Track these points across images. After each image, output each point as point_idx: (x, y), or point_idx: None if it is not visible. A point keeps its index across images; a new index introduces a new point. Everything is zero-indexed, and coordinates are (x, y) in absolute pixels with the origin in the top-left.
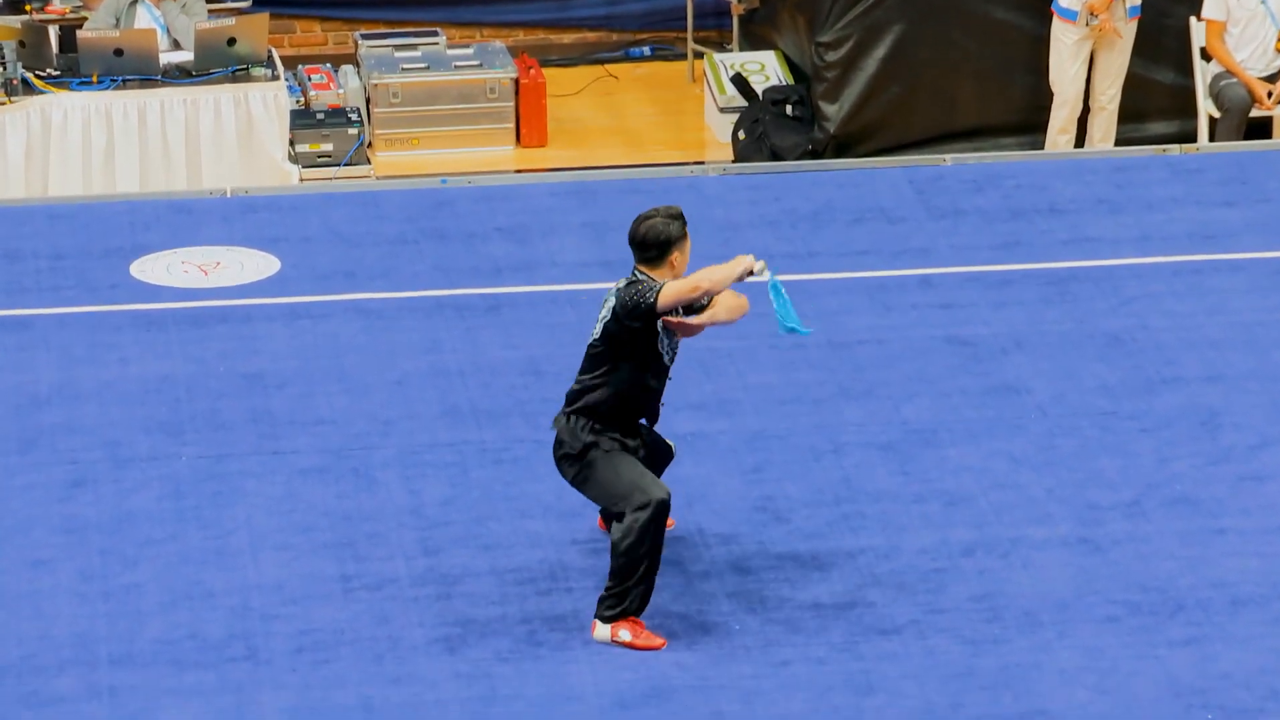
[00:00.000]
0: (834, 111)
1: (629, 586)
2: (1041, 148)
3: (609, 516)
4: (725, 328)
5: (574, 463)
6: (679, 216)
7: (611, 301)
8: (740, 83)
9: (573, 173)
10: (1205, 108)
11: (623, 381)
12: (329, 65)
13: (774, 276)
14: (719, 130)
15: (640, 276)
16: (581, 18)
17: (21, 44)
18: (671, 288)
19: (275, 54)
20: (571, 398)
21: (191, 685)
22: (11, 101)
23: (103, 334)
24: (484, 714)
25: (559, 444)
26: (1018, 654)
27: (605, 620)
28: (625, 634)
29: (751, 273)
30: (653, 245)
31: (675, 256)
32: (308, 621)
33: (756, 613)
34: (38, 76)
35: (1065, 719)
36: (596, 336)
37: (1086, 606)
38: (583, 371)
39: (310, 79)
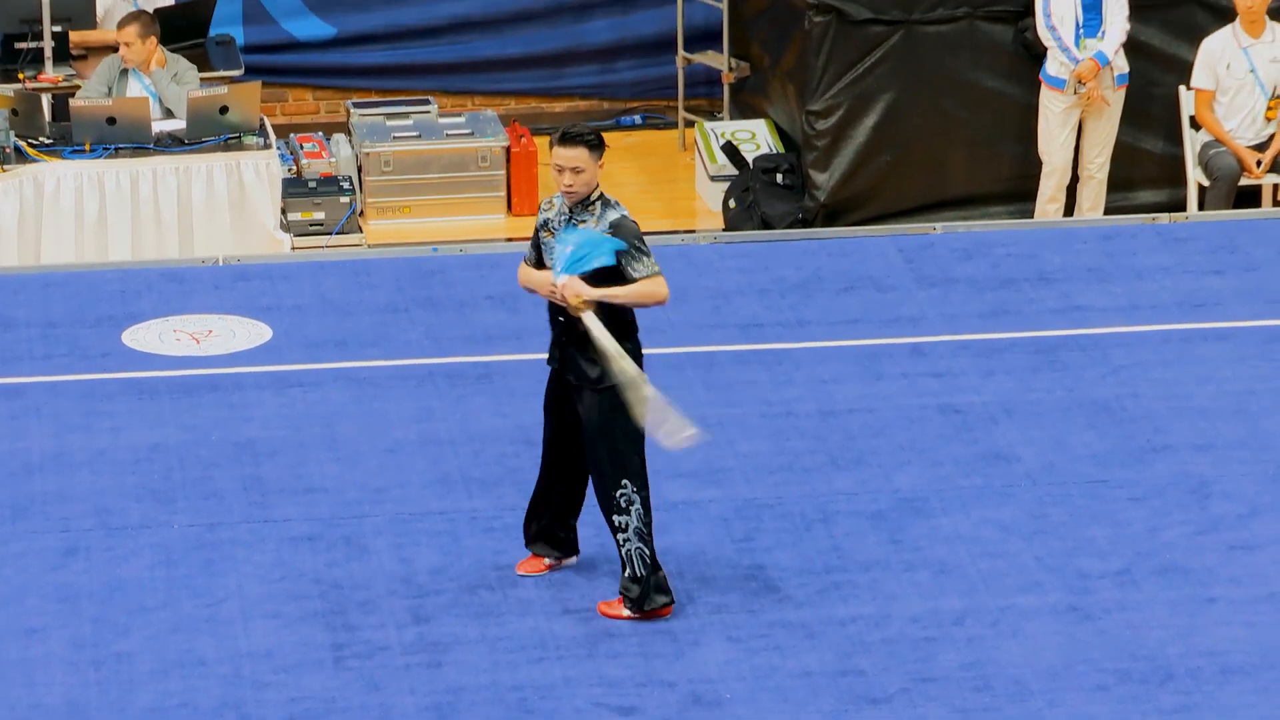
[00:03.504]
0: (824, 180)
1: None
2: (1031, 216)
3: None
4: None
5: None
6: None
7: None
8: (731, 151)
9: None
10: (1194, 176)
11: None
12: (321, 134)
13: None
14: (710, 198)
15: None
16: (573, 86)
17: (14, 112)
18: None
19: (267, 122)
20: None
21: None
22: (4, 170)
23: (95, 402)
24: None
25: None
26: None
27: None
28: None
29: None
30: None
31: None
32: (299, 689)
33: (747, 680)
34: (30, 145)
35: None
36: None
37: (1076, 675)
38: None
39: (302, 147)
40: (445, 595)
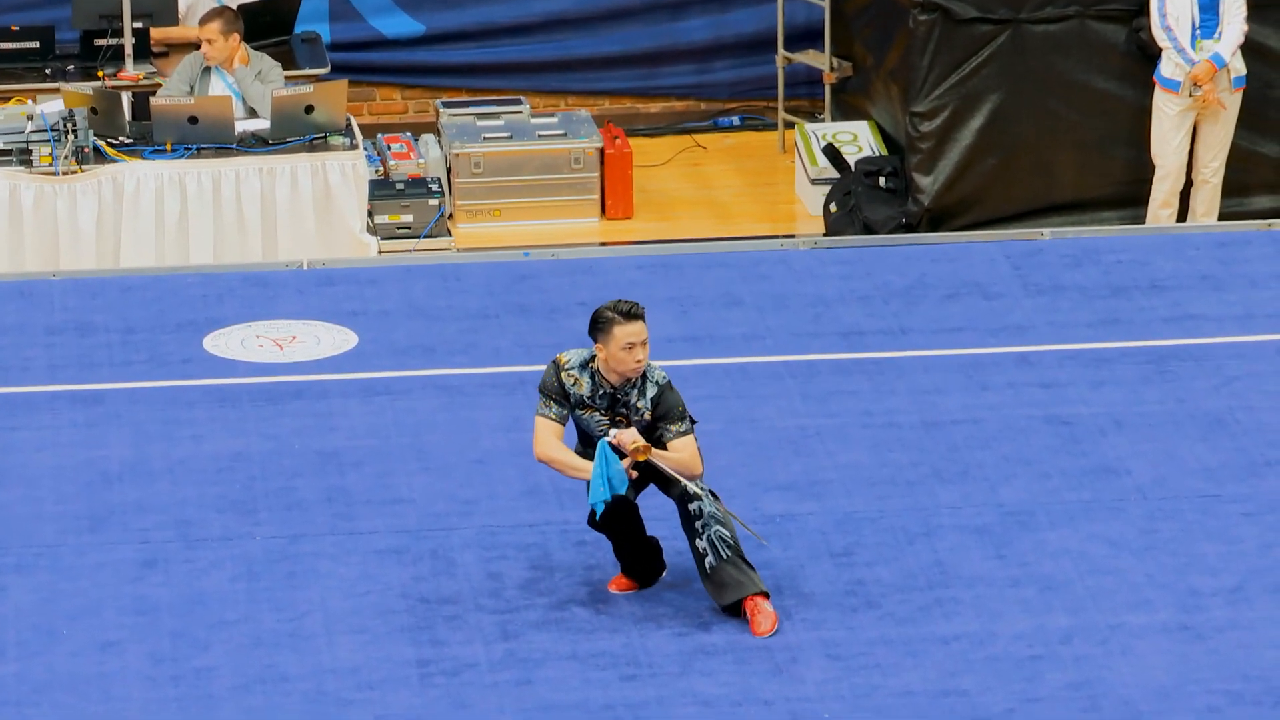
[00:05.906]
0: (928, 183)
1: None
2: (1142, 222)
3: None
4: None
5: None
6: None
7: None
8: (832, 153)
9: (659, 245)
10: None
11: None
12: (409, 134)
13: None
14: (810, 202)
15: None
16: (669, 86)
17: (93, 111)
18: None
19: (354, 122)
20: None
21: None
22: (83, 170)
23: (175, 409)
24: None
25: None
26: None
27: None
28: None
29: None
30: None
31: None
32: (384, 707)
33: (846, 699)
34: (110, 144)
35: None
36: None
37: (1187, 696)
38: None
39: (390, 148)
40: (535, 610)
